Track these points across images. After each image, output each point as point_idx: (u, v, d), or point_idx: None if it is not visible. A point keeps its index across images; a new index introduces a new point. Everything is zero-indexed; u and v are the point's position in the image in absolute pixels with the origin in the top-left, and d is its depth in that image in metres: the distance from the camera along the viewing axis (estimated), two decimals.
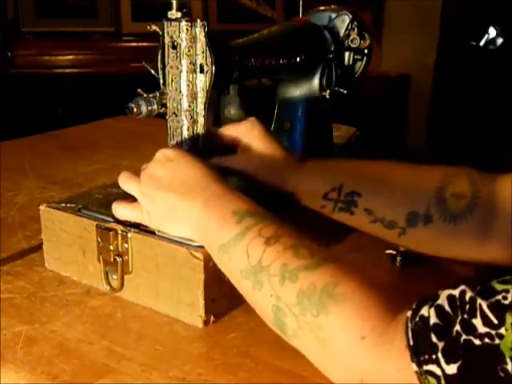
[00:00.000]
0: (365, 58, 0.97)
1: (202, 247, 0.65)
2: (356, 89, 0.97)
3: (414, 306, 0.45)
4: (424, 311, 0.44)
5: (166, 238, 0.68)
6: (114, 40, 3.10)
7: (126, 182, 0.69)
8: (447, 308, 0.43)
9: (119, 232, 0.70)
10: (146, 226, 0.70)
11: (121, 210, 0.70)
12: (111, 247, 0.70)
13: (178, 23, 0.71)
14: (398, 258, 0.82)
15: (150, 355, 0.61)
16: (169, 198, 0.64)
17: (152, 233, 0.69)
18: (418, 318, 0.44)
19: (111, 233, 0.70)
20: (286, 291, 0.52)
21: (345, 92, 0.93)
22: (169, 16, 0.72)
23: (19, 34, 3.01)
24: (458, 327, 0.42)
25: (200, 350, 0.64)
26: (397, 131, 3.21)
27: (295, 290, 0.51)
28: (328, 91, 0.92)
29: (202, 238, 0.63)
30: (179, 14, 0.71)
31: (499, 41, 3.01)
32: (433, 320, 0.43)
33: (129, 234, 0.69)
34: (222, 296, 0.67)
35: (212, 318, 0.67)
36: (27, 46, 2.98)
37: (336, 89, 0.92)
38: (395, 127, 3.21)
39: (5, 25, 2.94)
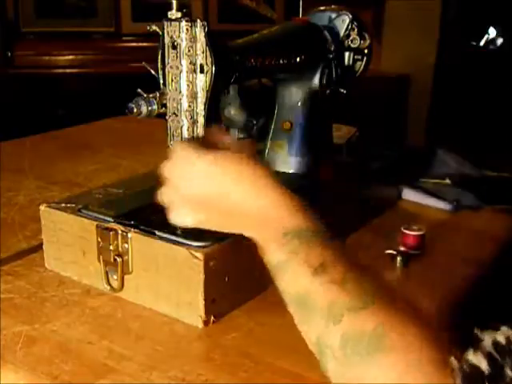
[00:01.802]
0: (365, 58, 0.97)
1: (202, 247, 0.65)
2: (356, 89, 0.97)
3: (457, 354, 0.44)
4: (472, 358, 0.44)
5: (166, 238, 0.68)
6: (114, 40, 3.10)
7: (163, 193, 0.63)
8: (495, 354, 0.43)
9: (119, 232, 0.70)
10: (146, 226, 0.70)
11: (181, 219, 0.63)
12: (111, 247, 0.70)
13: (178, 23, 0.71)
14: (398, 258, 0.82)
15: (150, 355, 0.61)
16: (224, 203, 0.60)
17: (152, 233, 0.69)
18: (466, 367, 0.44)
19: (111, 233, 0.70)
20: (330, 332, 0.50)
21: (345, 92, 0.93)
22: (169, 16, 0.72)
23: (19, 34, 3.01)
24: (509, 372, 0.42)
25: (200, 349, 0.64)
26: (397, 131, 3.21)
27: (339, 333, 0.50)
28: (328, 91, 0.92)
29: (260, 249, 0.59)
30: (179, 14, 0.71)
31: (499, 41, 3.01)
32: (484, 367, 0.43)
33: (129, 234, 0.69)
34: (222, 296, 0.67)
35: (212, 317, 0.67)
36: (27, 46, 2.97)
37: (336, 89, 0.92)
38: (395, 127, 3.20)
39: (5, 25, 2.94)
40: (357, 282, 0.52)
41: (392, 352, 0.47)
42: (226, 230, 0.62)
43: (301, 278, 0.53)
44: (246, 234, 0.60)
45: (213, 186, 0.60)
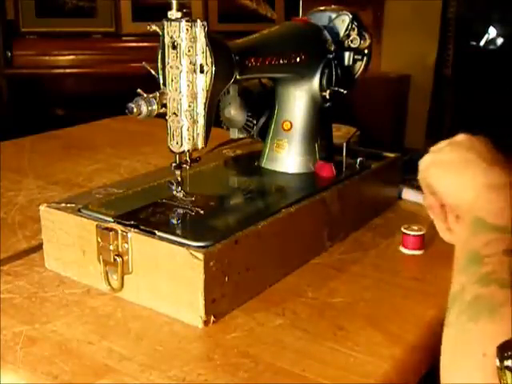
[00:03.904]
0: (365, 58, 0.97)
1: (202, 247, 0.65)
2: (356, 89, 0.97)
3: None
4: None
5: (166, 238, 0.68)
6: (113, 40, 3.10)
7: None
8: None
9: (119, 232, 0.70)
10: (146, 226, 0.70)
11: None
12: (111, 247, 0.70)
13: (178, 23, 0.71)
14: None
15: (150, 355, 0.61)
16: (461, 152, 0.75)
17: (152, 233, 0.69)
18: None
19: (111, 233, 0.70)
20: (473, 289, 0.54)
21: (345, 92, 0.93)
22: (169, 16, 0.72)
23: (19, 34, 3.01)
24: None
25: (200, 349, 0.63)
26: (397, 131, 3.21)
27: (478, 292, 0.53)
28: (328, 91, 0.92)
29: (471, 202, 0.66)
30: (179, 14, 0.71)
31: (499, 41, 3.01)
32: None
33: (129, 234, 0.69)
34: (222, 296, 0.67)
35: (212, 317, 0.67)
36: (27, 45, 2.98)
37: (336, 89, 0.92)
38: (395, 127, 3.21)
39: (5, 25, 2.94)
40: None
41: (499, 321, 0.49)
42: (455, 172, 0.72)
43: (489, 247, 0.57)
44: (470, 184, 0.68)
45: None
